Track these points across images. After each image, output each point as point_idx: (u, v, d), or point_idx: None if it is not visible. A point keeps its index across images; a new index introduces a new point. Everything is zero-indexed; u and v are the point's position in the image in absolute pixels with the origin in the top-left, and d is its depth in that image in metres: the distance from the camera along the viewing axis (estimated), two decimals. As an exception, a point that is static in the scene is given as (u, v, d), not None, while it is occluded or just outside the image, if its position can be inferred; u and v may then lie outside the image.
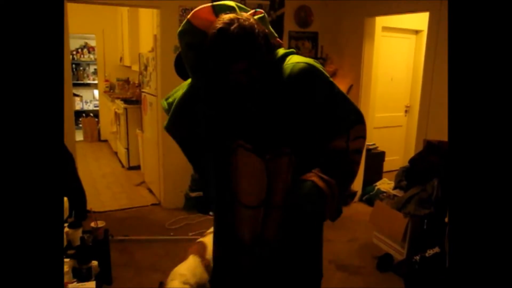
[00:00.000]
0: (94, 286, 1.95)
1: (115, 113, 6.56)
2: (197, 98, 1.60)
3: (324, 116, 1.52)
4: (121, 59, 7.46)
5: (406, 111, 6.03)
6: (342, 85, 4.73)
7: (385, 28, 5.18)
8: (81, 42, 8.78)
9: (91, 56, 8.82)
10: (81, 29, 7.09)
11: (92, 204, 4.17)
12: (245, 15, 1.44)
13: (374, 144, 5.24)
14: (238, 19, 1.39)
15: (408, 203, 3.34)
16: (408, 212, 3.30)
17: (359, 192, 4.93)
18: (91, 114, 8.41)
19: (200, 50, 1.49)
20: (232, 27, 1.36)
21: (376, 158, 5.18)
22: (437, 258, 2.97)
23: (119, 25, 7.37)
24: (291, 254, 1.65)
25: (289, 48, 4.86)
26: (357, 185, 4.92)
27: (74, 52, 8.70)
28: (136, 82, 6.59)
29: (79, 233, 2.38)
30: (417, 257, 3.05)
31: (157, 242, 3.69)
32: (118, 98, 6.59)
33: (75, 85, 8.02)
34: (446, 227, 2.92)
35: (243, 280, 1.70)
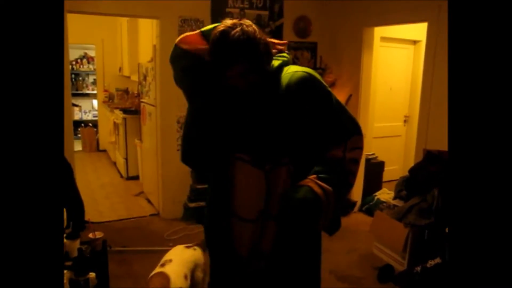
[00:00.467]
0: (92, 298, 1.92)
1: (114, 123, 6.56)
2: (198, 118, 1.61)
3: (322, 126, 1.53)
4: (120, 69, 7.47)
5: (405, 121, 6.04)
6: (341, 95, 4.74)
7: (384, 38, 5.20)
8: (80, 52, 8.80)
9: (91, 66, 8.83)
10: (81, 39, 7.12)
11: (90, 214, 4.14)
12: (248, 22, 1.46)
13: (373, 154, 5.24)
14: (241, 24, 1.41)
15: (409, 213, 3.32)
16: (408, 222, 3.28)
17: (359, 202, 4.91)
18: (90, 124, 8.40)
19: (196, 72, 1.52)
20: (234, 31, 1.39)
21: (376, 168, 5.17)
22: (438, 268, 2.95)
23: (118, 36, 7.39)
24: (288, 267, 1.63)
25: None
26: (357, 195, 4.90)
27: (74, 62, 8.71)
28: (135, 92, 6.60)
29: (76, 244, 2.36)
30: (418, 268, 3.02)
31: (155, 253, 3.65)
32: (117, 108, 6.59)
33: (74, 95, 8.03)
34: (447, 237, 2.90)
35: None
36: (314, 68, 4.95)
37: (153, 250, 3.70)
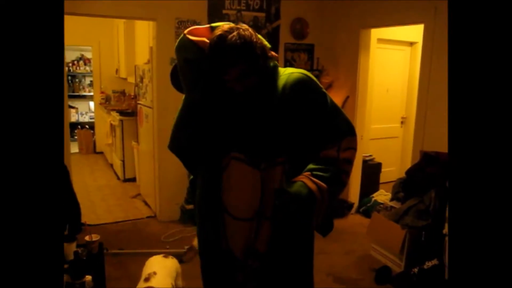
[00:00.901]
0: (88, 301, 1.91)
1: (111, 125, 6.54)
2: (193, 111, 1.62)
3: (317, 126, 1.56)
4: (117, 71, 7.46)
5: (402, 122, 6.05)
6: (338, 97, 4.75)
7: (381, 40, 5.21)
8: (77, 54, 8.79)
9: (87, 68, 8.82)
10: (77, 41, 7.11)
11: (87, 217, 4.12)
12: (245, 26, 1.48)
13: (370, 155, 5.24)
14: (238, 28, 1.44)
15: (406, 215, 3.32)
16: (405, 223, 3.29)
17: (356, 204, 4.91)
18: (87, 126, 8.38)
19: (198, 65, 1.53)
20: (231, 35, 1.41)
21: (373, 169, 5.17)
22: (436, 270, 2.95)
23: (115, 37, 7.38)
24: (283, 266, 1.64)
25: (285, 60, 4.87)
26: (354, 196, 4.90)
27: (70, 64, 8.70)
28: (132, 94, 6.59)
29: (73, 247, 2.35)
30: (416, 269, 3.03)
31: (152, 255, 3.64)
32: (113, 110, 6.57)
33: (70, 97, 8.01)
34: (444, 238, 2.91)
35: None
36: (311, 69, 4.96)
37: (150, 252, 3.68)
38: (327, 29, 4.96)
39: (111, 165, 6.80)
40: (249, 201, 1.55)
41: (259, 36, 1.54)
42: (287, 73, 1.57)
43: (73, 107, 8.76)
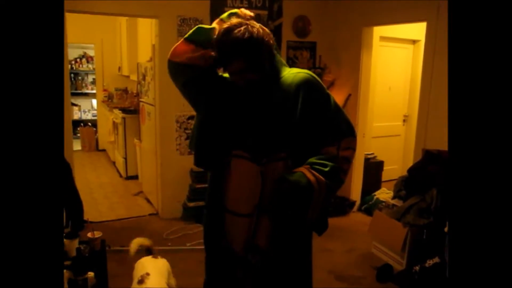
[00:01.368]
0: (90, 298, 1.92)
1: (113, 122, 6.56)
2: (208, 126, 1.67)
3: (320, 125, 1.60)
4: (119, 68, 7.47)
5: (404, 121, 6.04)
6: (340, 95, 4.74)
7: (383, 38, 5.20)
8: (79, 52, 8.80)
9: (90, 65, 8.83)
10: (80, 38, 7.11)
11: (89, 214, 4.14)
12: (254, 23, 1.52)
13: (372, 154, 5.24)
14: (246, 24, 1.48)
15: (407, 213, 3.32)
16: (407, 222, 3.29)
17: (358, 202, 4.91)
18: (89, 124, 8.40)
19: (197, 83, 1.59)
20: (238, 29, 1.45)
21: (375, 168, 5.17)
22: (437, 268, 2.95)
23: (117, 35, 7.39)
24: (282, 261, 1.66)
25: (287, 58, 4.86)
26: (356, 194, 4.91)
27: (73, 62, 8.71)
28: (135, 91, 6.60)
29: (75, 243, 2.35)
30: (417, 268, 3.03)
31: (154, 252, 3.65)
32: (116, 107, 6.58)
33: (73, 94, 8.01)
34: (445, 237, 2.90)
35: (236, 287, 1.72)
36: (313, 67, 4.95)
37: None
38: (330, 27, 4.95)
39: (114, 163, 6.82)
40: (249, 196, 1.58)
41: (271, 34, 1.56)
42: (293, 73, 1.61)
43: (75, 105, 8.78)
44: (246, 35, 1.44)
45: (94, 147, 8.02)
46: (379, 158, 5.30)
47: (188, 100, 1.70)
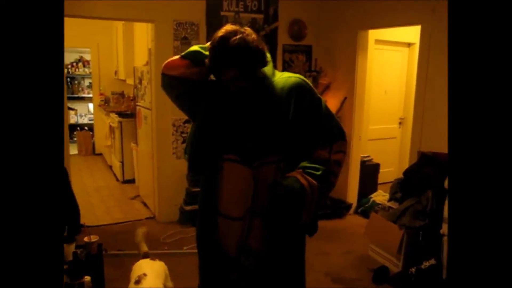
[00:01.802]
0: (87, 302, 1.92)
1: (110, 126, 6.55)
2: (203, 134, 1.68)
3: (311, 128, 1.61)
4: (116, 72, 7.47)
5: (400, 123, 6.07)
6: (336, 98, 4.77)
7: (378, 41, 5.23)
8: (76, 56, 8.80)
9: (86, 69, 8.83)
10: (76, 43, 7.11)
11: (86, 218, 4.13)
12: (249, 30, 1.52)
13: (368, 156, 5.25)
14: (242, 32, 1.47)
15: (403, 215, 3.34)
16: (403, 224, 3.30)
17: (354, 205, 4.92)
18: (86, 128, 8.39)
19: (191, 96, 1.62)
20: (233, 38, 1.44)
21: (371, 170, 5.18)
22: (433, 270, 2.96)
23: (114, 39, 7.39)
24: (275, 263, 1.67)
25: (283, 61, 4.88)
26: (352, 197, 4.92)
27: (69, 66, 8.70)
28: (131, 95, 6.60)
29: (72, 248, 2.36)
30: (413, 269, 3.04)
31: (151, 256, 3.65)
32: (112, 111, 6.59)
33: (70, 98, 8.01)
34: (441, 238, 2.92)
35: None
36: (309, 71, 4.97)
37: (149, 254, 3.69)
38: (325, 31, 4.98)
39: (110, 167, 6.81)
40: (241, 199, 1.60)
41: (261, 40, 1.57)
42: (284, 77, 1.63)
43: (72, 109, 8.77)
44: (242, 44, 1.44)
45: (90, 151, 8.01)
46: (375, 160, 5.31)
47: (182, 111, 1.74)
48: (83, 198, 5.10)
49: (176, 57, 1.62)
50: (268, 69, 1.61)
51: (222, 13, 4.37)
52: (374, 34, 4.93)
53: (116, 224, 4.46)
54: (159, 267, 2.32)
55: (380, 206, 3.92)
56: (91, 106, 8.66)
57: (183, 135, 4.41)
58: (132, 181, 5.93)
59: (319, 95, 1.66)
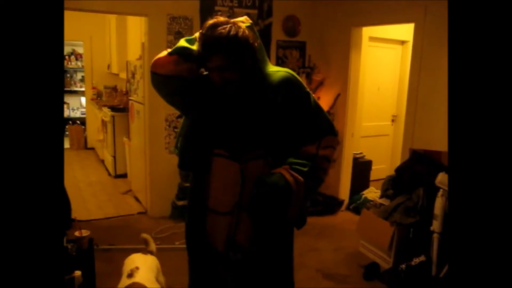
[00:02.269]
0: (77, 297, 1.92)
1: (102, 120, 6.52)
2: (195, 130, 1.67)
3: (300, 123, 1.61)
4: (108, 66, 7.42)
5: (392, 120, 6.09)
6: (329, 94, 4.77)
7: (372, 38, 5.24)
8: (68, 49, 8.72)
9: (79, 63, 8.76)
10: (69, 36, 7.02)
11: (77, 212, 4.11)
12: (240, 23, 1.52)
13: (361, 153, 5.28)
14: (234, 22, 1.49)
15: (394, 212, 3.36)
16: (394, 220, 3.32)
17: (346, 201, 4.95)
18: (78, 122, 8.33)
19: (182, 93, 1.61)
20: (222, 26, 1.46)
21: (363, 167, 5.21)
22: (423, 266, 2.99)
23: (107, 33, 7.34)
24: (263, 258, 1.68)
25: (277, 57, 4.86)
26: (344, 194, 4.94)
27: (61, 59, 8.63)
28: (124, 89, 6.56)
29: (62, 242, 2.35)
30: (403, 266, 3.06)
31: (143, 251, 3.65)
32: (105, 105, 6.54)
33: (61, 92, 7.93)
34: (431, 235, 2.94)
35: (219, 286, 1.74)
36: (303, 67, 4.98)
37: (141, 248, 3.68)
38: (319, 27, 4.97)
39: (102, 161, 6.78)
40: (229, 195, 1.60)
41: (256, 35, 1.57)
42: (273, 71, 1.62)
43: (64, 103, 8.71)
44: (231, 32, 1.45)
45: (82, 145, 7.96)
46: (368, 157, 5.34)
47: (173, 107, 1.73)
48: (75, 193, 5.07)
49: (164, 53, 1.59)
50: (261, 63, 1.61)
51: (216, 8, 4.35)
52: (368, 32, 4.94)
53: (107, 219, 4.44)
54: (151, 261, 2.33)
55: (371, 202, 3.94)
56: (83, 100, 8.60)
57: (176, 130, 4.40)
58: (124, 175, 5.90)
59: (308, 90, 1.65)
